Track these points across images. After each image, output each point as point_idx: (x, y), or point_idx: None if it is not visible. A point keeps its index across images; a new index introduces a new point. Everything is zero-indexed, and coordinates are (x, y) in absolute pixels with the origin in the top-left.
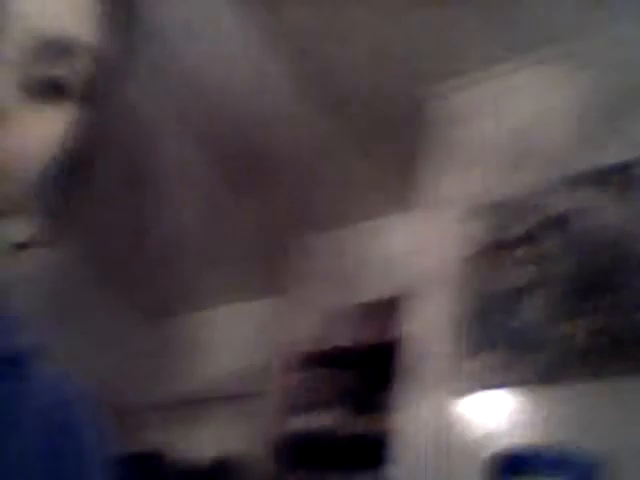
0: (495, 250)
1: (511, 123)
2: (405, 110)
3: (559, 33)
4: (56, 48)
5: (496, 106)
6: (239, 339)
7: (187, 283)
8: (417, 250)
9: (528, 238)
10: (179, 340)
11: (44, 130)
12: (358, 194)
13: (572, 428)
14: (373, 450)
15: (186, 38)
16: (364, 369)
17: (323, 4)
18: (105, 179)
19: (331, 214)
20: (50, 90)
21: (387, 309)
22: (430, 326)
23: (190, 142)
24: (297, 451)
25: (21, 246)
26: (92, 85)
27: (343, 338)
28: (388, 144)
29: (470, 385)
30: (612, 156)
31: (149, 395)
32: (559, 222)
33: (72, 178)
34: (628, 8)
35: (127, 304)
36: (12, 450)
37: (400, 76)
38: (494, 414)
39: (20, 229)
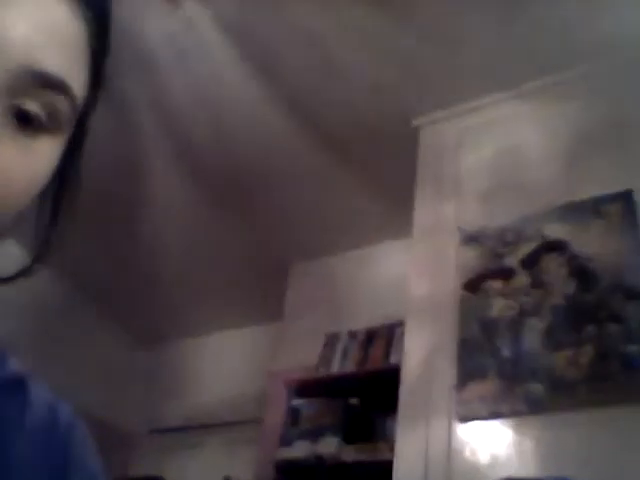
0: (488, 278)
1: (506, 151)
2: (399, 138)
3: (554, 62)
4: (44, 81)
5: (490, 135)
6: (232, 366)
7: (180, 310)
8: (411, 277)
9: (521, 267)
10: (172, 367)
11: (29, 163)
12: (352, 221)
13: (565, 458)
14: (368, 479)
15: (176, 65)
16: (359, 397)
17: (316, 36)
18: (94, 206)
19: (325, 241)
20: (35, 123)
21: (382, 336)
22: (424, 354)
23: (179, 171)
24: None
25: (5, 280)
26: (73, 120)
27: (338, 366)
28: (382, 172)
29: (462, 415)
30: (605, 187)
31: (143, 422)
32: (552, 251)
33: (55, 209)
34: (609, 40)
35: (120, 331)
36: (13, 465)
37: (393, 105)
38: (488, 444)
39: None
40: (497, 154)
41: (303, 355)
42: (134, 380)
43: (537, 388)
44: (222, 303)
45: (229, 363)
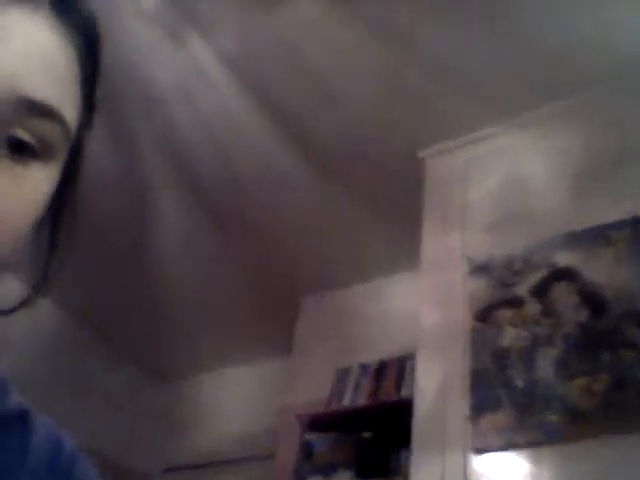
0: (498, 308)
1: (511, 180)
2: (404, 170)
3: (556, 91)
4: (34, 110)
5: (495, 164)
6: (244, 402)
7: (191, 346)
8: (421, 309)
9: (531, 296)
10: (184, 404)
11: (23, 192)
12: (361, 254)
13: None
14: None
15: (183, 101)
16: (372, 430)
17: (320, 70)
18: (103, 243)
19: (334, 274)
20: (27, 151)
21: (393, 369)
22: (436, 386)
23: (188, 206)
24: None
25: (6, 312)
26: (66, 146)
27: (349, 399)
28: (389, 204)
29: (477, 446)
30: (612, 213)
31: (156, 461)
32: (562, 279)
33: (54, 237)
34: (610, 67)
35: (130, 369)
36: None
37: (398, 137)
38: (504, 476)
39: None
40: (503, 183)
41: (315, 389)
42: (145, 418)
43: (552, 418)
44: (233, 339)
45: (241, 399)
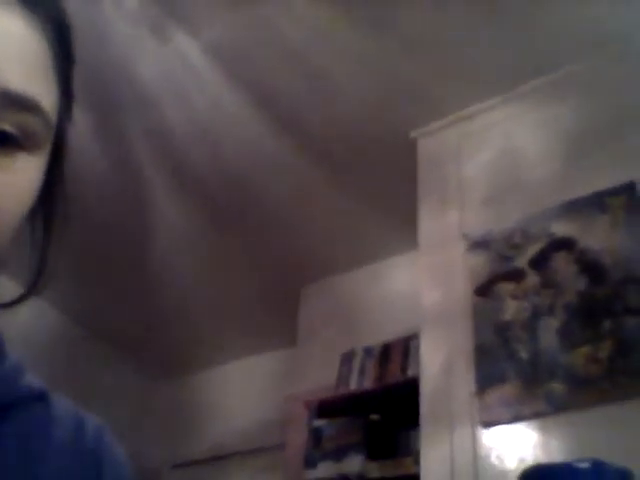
0: (498, 282)
1: (505, 154)
2: (397, 151)
3: (547, 62)
4: (12, 101)
5: (488, 139)
6: (251, 393)
7: (195, 341)
8: (422, 288)
9: (530, 267)
10: (190, 399)
11: (11, 182)
12: (358, 238)
13: (592, 455)
14: None
15: (172, 97)
16: (380, 413)
17: (309, 55)
18: (101, 243)
19: (333, 260)
20: (11, 142)
21: (398, 350)
22: (441, 364)
23: (182, 201)
24: None
25: (5, 306)
26: (50, 135)
27: (355, 383)
28: (384, 186)
29: (485, 421)
30: (607, 180)
31: (165, 457)
32: (561, 249)
33: (47, 229)
34: (600, 36)
35: (135, 367)
36: (46, 472)
37: (389, 118)
38: (514, 448)
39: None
40: (496, 158)
41: (320, 376)
42: (152, 415)
43: (558, 387)
44: (237, 331)
45: (248, 391)
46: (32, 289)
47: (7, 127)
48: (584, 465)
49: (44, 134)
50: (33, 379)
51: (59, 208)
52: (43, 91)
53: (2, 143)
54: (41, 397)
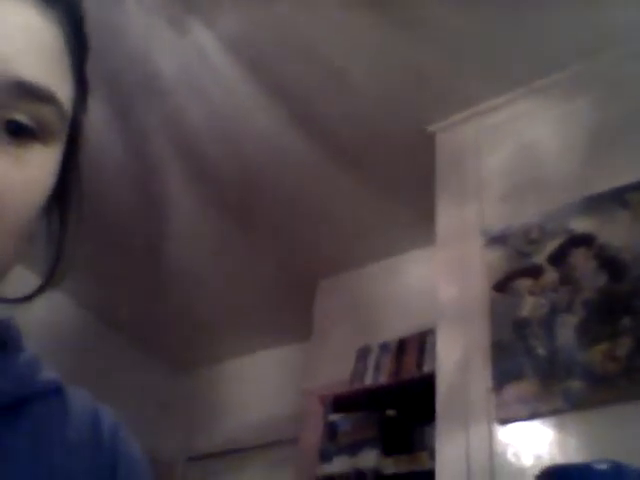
0: (516, 278)
1: (524, 149)
2: (415, 146)
3: (566, 57)
4: (27, 92)
5: (507, 134)
6: (267, 387)
7: (210, 335)
8: (439, 283)
9: (549, 264)
10: (206, 392)
11: (26, 173)
12: (376, 232)
13: (610, 453)
14: None
15: (189, 90)
16: (395, 408)
17: (325, 50)
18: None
19: (349, 255)
20: (26, 133)
21: (414, 345)
22: (457, 360)
23: (199, 195)
24: None
25: (23, 299)
26: (65, 126)
27: (371, 378)
28: (401, 181)
29: (502, 417)
30: (627, 176)
31: (180, 450)
32: (580, 245)
33: (63, 223)
34: (620, 30)
35: (151, 360)
36: (57, 475)
37: (407, 113)
38: (530, 445)
39: (14, 284)
40: (515, 153)
41: (336, 370)
42: (168, 408)
43: (576, 385)
44: (252, 325)
45: (263, 384)
46: (49, 282)
47: (22, 118)
48: (603, 466)
49: (59, 125)
50: (49, 373)
51: (75, 200)
52: (57, 82)
53: (17, 134)
54: (58, 391)
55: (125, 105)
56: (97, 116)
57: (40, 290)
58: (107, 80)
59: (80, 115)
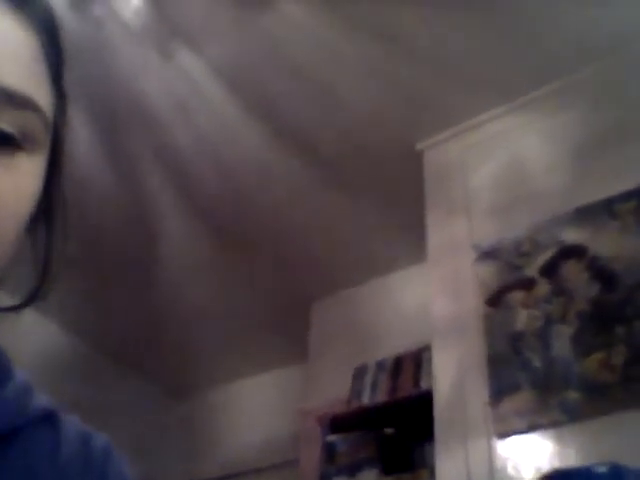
0: (509, 291)
1: (512, 163)
2: (403, 164)
3: (551, 70)
4: (9, 99)
5: (494, 148)
6: (264, 410)
7: (207, 359)
8: (432, 300)
9: (541, 276)
10: (203, 417)
11: (12, 180)
12: (367, 252)
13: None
14: None
15: (177, 115)
16: (393, 426)
17: (312, 69)
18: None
19: (342, 275)
20: (10, 142)
21: (410, 363)
22: (454, 375)
23: (190, 221)
24: None
25: (13, 309)
26: (48, 135)
27: (368, 397)
28: (390, 199)
29: (500, 431)
30: (616, 186)
31: (179, 474)
32: (571, 257)
33: (48, 235)
34: (605, 42)
35: (148, 387)
36: None
37: (395, 131)
38: (530, 458)
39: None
40: (504, 167)
41: (333, 391)
42: (168, 434)
43: (573, 395)
44: (249, 349)
45: (261, 407)
46: (36, 293)
47: (5, 126)
48: (602, 469)
49: (42, 133)
50: (41, 400)
51: (59, 213)
52: (39, 90)
53: (2, 143)
54: (49, 417)
55: (112, 128)
56: (83, 139)
57: (26, 302)
58: (93, 103)
59: (61, 125)
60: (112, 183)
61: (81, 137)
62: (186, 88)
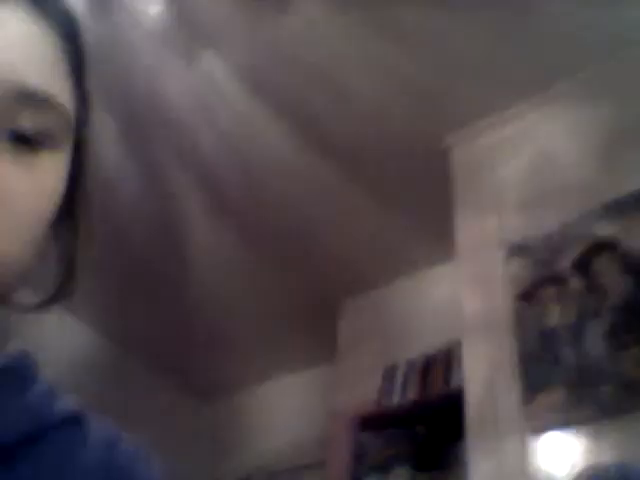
0: (541, 287)
1: (541, 157)
2: (431, 161)
3: (579, 62)
4: (31, 100)
5: (523, 143)
6: (294, 411)
7: (236, 361)
8: (463, 297)
9: (573, 271)
10: (232, 419)
11: (34, 180)
12: (396, 251)
13: None
14: None
15: (201, 118)
16: (425, 424)
17: (336, 73)
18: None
19: (371, 274)
20: (32, 142)
21: (440, 361)
22: (485, 373)
23: (217, 223)
24: None
25: (36, 308)
26: (70, 134)
27: (399, 396)
28: (418, 197)
29: (534, 428)
30: None
31: (207, 475)
32: (603, 251)
33: (72, 233)
34: (629, 34)
35: (177, 390)
36: None
37: (422, 129)
38: (565, 455)
39: (28, 293)
40: (533, 161)
41: (363, 390)
42: (196, 436)
43: (607, 391)
44: (278, 350)
45: (290, 408)
46: (60, 292)
47: (28, 126)
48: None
49: (64, 132)
50: (67, 402)
51: (83, 211)
52: (60, 89)
53: (23, 143)
54: (75, 420)
55: (137, 133)
56: (110, 144)
57: (55, 299)
58: (118, 108)
59: (84, 126)
60: (138, 183)
61: (105, 139)
62: (208, 89)
